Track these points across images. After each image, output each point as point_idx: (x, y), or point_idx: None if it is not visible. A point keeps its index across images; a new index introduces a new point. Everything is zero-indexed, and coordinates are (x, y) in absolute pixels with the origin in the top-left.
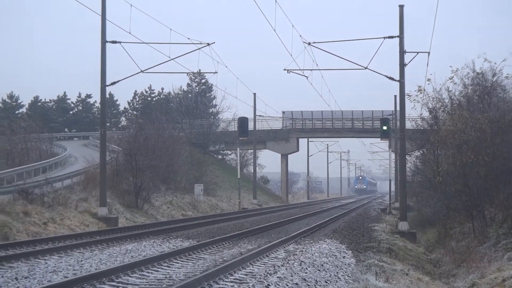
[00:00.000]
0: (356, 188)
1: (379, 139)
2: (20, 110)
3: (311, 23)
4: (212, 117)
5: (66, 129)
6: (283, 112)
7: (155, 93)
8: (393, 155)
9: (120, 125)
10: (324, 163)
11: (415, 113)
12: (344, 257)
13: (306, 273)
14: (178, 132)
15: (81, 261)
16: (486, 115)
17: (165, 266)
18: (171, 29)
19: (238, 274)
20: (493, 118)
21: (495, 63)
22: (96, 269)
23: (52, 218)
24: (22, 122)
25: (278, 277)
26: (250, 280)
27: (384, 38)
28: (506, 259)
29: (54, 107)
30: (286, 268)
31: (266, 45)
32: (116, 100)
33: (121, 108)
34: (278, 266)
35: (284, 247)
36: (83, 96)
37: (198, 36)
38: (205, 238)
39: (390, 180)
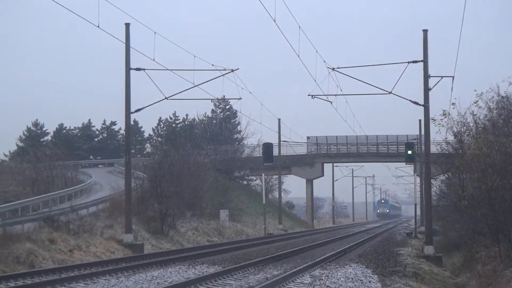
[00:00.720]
0: (377, 213)
1: (404, 163)
2: (45, 138)
3: (335, 48)
4: (236, 143)
5: (91, 156)
6: (308, 138)
7: (179, 119)
8: (418, 179)
9: (145, 152)
10: (349, 187)
11: (440, 137)
12: (370, 281)
13: None
14: (203, 158)
15: None
16: (511, 138)
17: None
18: (195, 56)
19: None
20: None
21: None
22: None
23: (78, 245)
24: (47, 149)
25: None
26: None
27: (408, 62)
28: None
29: (79, 134)
30: None
31: (290, 70)
32: (141, 127)
33: (146, 134)
34: None
35: (310, 272)
36: (107, 123)
37: (222, 62)
38: (231, 264)
39: (415, 204)
